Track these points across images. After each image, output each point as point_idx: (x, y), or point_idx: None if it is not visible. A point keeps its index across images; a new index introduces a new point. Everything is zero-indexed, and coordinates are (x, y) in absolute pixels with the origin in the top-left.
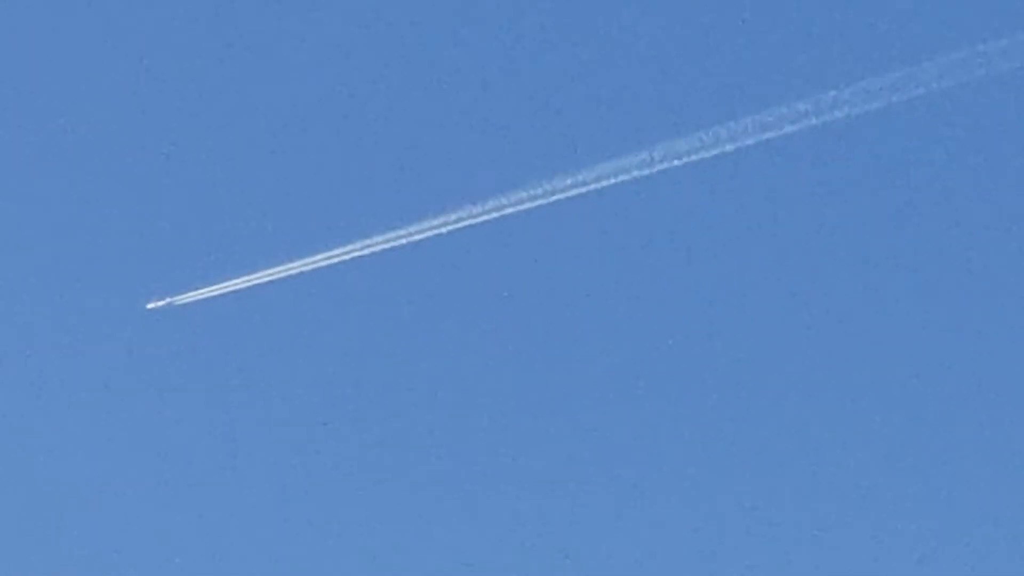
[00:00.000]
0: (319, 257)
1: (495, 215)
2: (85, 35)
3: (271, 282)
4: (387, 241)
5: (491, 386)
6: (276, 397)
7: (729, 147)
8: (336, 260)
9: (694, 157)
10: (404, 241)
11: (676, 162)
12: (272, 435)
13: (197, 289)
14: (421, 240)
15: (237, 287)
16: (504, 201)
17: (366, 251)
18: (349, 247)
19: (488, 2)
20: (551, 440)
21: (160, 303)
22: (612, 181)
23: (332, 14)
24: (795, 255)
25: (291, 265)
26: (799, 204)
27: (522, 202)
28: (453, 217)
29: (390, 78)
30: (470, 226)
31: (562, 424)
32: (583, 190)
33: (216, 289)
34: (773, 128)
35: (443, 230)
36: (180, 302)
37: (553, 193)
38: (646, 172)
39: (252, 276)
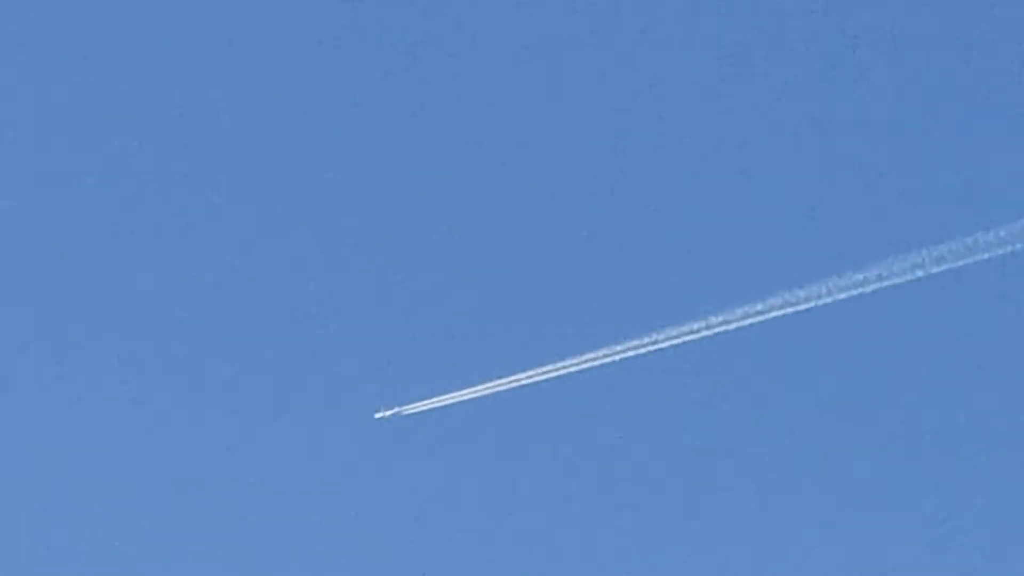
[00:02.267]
0: (538, 371)
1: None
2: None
3: (499, 392)
4: (606, 356)
5: None
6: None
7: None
8: (552, 375)
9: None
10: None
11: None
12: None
13: (425, 399)
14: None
15: (463, 398)
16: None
17: (584, 365)
18: (566, 362)
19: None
20: None
21: (388, 412)
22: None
23: None
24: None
25: (517, 377)
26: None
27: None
28: (666, 334)
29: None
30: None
31: None
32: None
33: (442, 400)
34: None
35: (661, 345)
36: (408, 412)
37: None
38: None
39: (478, 388)
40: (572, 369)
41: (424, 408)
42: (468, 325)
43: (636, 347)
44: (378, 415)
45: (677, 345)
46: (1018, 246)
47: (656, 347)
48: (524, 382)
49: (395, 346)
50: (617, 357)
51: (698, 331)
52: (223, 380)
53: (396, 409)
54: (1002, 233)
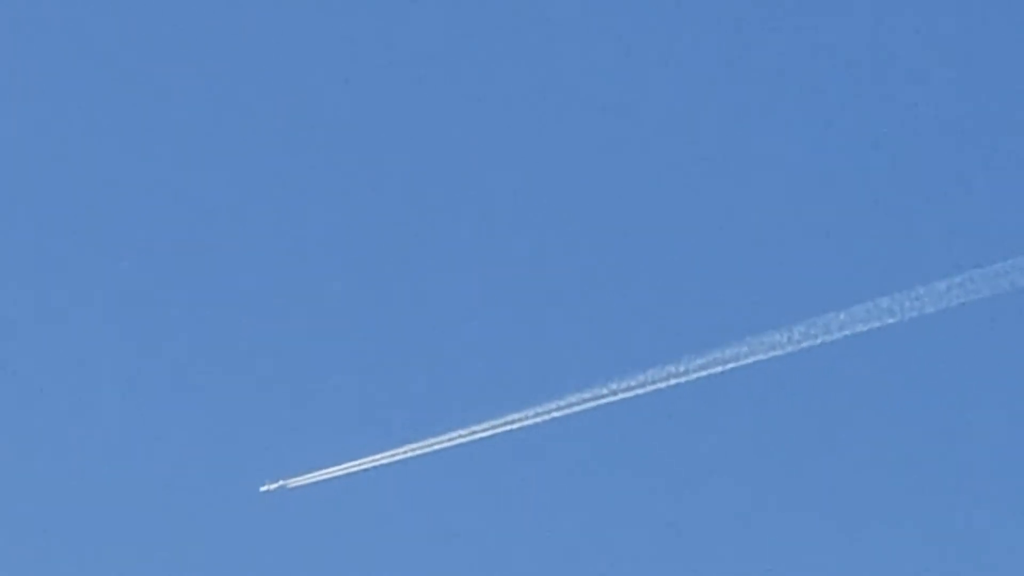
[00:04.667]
0: (430, 441)
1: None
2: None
3: (383, 465)
4: (512, 422)
5: None
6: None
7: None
8: (446, 444)
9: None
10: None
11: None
12: None
13: (310, 472)
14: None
15: (349, 471)
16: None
17: (486, 433)
18: (461, 430)
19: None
20: None
21: (274, 485)
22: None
23: None
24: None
25: (405, 448)
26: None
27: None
28: (574, 400)
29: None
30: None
31: None
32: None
33: (328, 472)
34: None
35: (575, 409)
36: (293, 485)
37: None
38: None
39: (364, 460)
40: (463, 440)
41: (310, 481)
42: (353, 397)
43: (541, 413)
44: (263, 488)
45: (577, 413)
46: None
47: (559, 413)
48: (411, 454)
49: (280, 417)
50: (499, 429)
51: (578, 406)
52: (105, 448)
53: (281, 482)
54: None
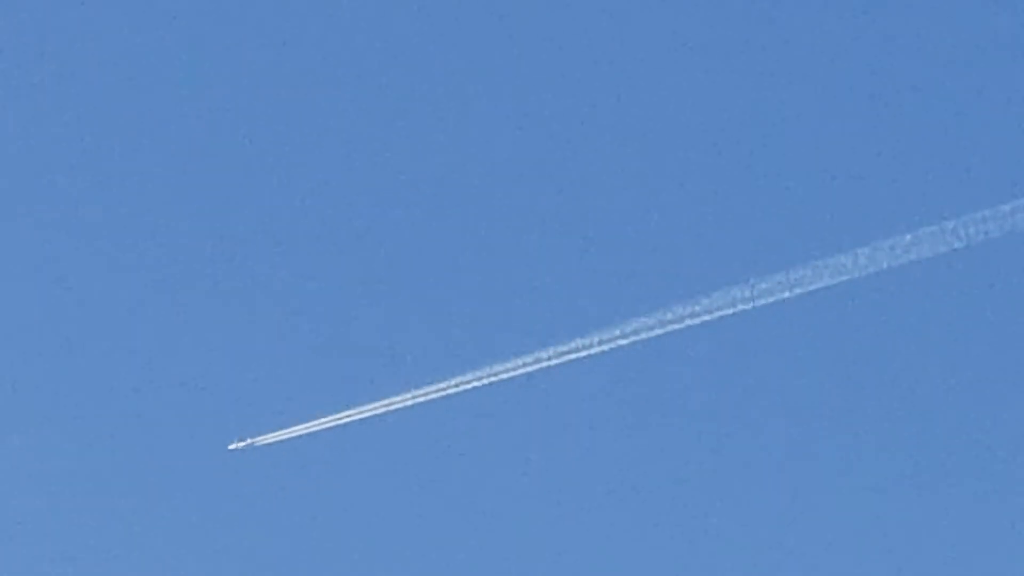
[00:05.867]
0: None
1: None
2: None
3: (351, 423)
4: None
5: None
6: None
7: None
8: (411, 402)
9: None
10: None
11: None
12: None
13: (279, 430)
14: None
15: (318, 428)
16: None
17: (445, 392)
18: (425, 389)
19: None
20: None
21: (242, 444)
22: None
23: None
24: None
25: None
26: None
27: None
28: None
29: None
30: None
31: None
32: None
33: (297, 430)
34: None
35: (528, 369)
36: (262, 442)
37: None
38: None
39: (332, 417)
40: (429, 397)
41: (278, 439)
42: (321, 353)
43: (506, 370)
44: (232, 446)
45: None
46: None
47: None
48: (380, 411)
49: (249, 376)
50: (471, 385)
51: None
52: (76, 408)
53: (250, 440)
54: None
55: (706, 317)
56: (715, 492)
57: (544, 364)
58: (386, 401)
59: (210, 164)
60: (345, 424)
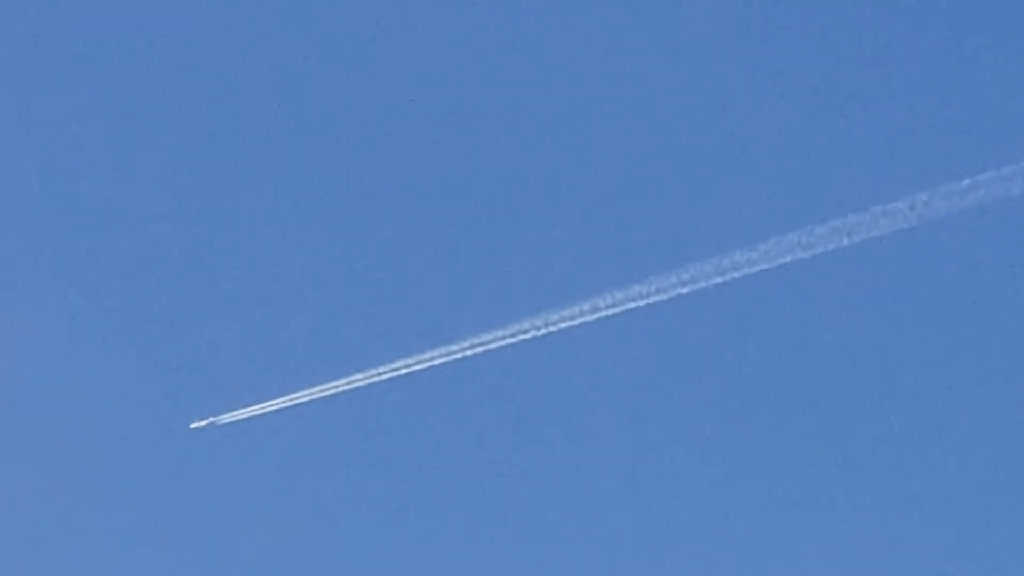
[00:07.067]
0: (357, 377)
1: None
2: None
3: (312, 402)
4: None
5: None
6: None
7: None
8: (375, 379)
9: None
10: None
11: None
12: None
13: (240, 409)
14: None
15: (278, 407)
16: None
17: (406, 370)
18: (388, 366)
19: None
20: None
21: (203, 422)
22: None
23: None
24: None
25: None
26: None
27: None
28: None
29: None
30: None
31: None
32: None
33: (257, 409)
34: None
35: (495, 345)
36: (222, 422)
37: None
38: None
39: (294, 395)
40: (389, 375)
41: (240, 417)
42: (284, 332)
43: (461, 349)
44: (193, 425)
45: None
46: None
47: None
48: (342, 389)
49: (210, 355)
50: (436, 362)
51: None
52: (32, 387)
53: (211, 419)
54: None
55: (669, 294)
56: (699, 474)
57: (509, 341)
58: (348, 379)
59: (166, 145)
60: (308, 403)
